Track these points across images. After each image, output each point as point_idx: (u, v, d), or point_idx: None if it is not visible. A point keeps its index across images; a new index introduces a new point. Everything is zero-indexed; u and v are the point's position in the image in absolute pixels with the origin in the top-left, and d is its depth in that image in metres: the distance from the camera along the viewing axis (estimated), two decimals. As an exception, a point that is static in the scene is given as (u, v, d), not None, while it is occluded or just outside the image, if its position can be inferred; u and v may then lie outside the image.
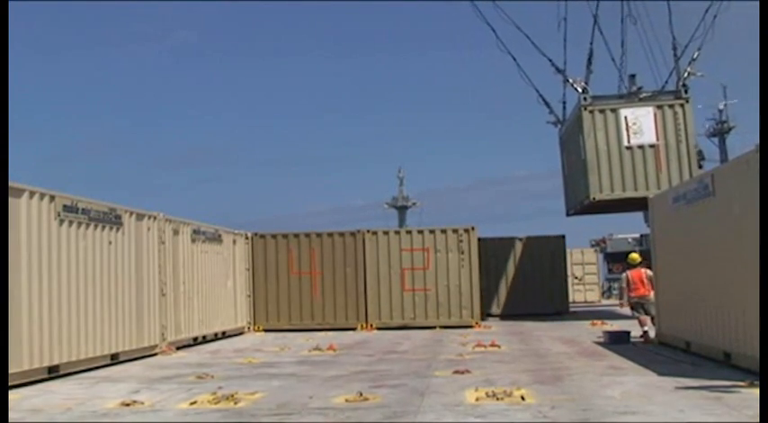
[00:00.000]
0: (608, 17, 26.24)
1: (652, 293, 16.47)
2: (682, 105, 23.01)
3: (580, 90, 24.15)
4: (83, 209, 13.28)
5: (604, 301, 41.37)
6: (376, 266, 22.53)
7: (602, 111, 23.30)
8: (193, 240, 18.53)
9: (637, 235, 43.46)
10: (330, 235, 23.00)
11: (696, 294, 12.81)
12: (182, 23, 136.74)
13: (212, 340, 19.17)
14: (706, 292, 12.22)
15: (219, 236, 20.50)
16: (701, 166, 37.89)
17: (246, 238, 22.76)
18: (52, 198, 12.30)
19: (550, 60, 25.10)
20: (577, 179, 24.92)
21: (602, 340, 16.25)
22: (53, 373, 11.89)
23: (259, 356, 15.09)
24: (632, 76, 25.21)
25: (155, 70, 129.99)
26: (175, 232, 17.50)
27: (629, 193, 22.82)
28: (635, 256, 17.76)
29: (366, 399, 9.08)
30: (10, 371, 10.31)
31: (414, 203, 64.49)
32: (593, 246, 45.50)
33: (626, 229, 46.48)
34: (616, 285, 47.76)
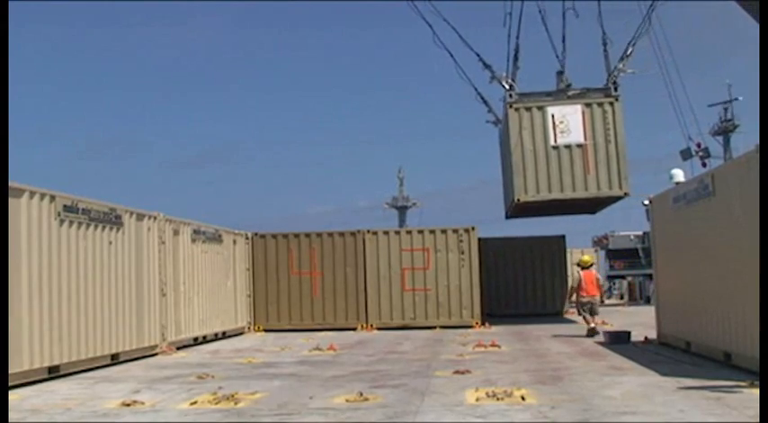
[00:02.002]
0: (556, 12, 25.43)
1: (599, 295, 18.37)
2: (611, 103, 22.05)
3: (507, 87, 23.11)
4: (83, 209, 13.28)
5: (605, 302, 41.38)
6: (376, 266, 22.51)
7: (528, 108, 22.28)
8: (193, 240, 18.52)
9: (639, 232, 43.41)
10: (330, 235, 22.99)
11: (696, 294, 12.81)
12: (190, 25, 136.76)
13: (212, 340, 19.17)
14: (706, 292, 12.22)
15: (220, 236, 20.50)
16: (704, 164, 37.70)
17: (246, 238, 22.75)
18: (52, 198, 12.29)
19: (478, 55, 23.77)
20: (508, 180, 24.01)
21: (602, 340, 16.25)
22: (53, 373, 11.89)
23: (259, 356, 15.08)
24: (560, 73, 23.98)
25: (161, 71, 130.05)
26: (175, 232, 17.49)
27: (556, 195, 22.00)
28: (587, 258, 18.94)
29: (366, 399, 9.08)
30: (10, 371, 10.30)
31: (414, 203, 64.51)
32: (594, 243, 45.42)
33: (628, 226, 46.46)
34: (617, 285, 47.88)
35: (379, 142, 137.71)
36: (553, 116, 22.11)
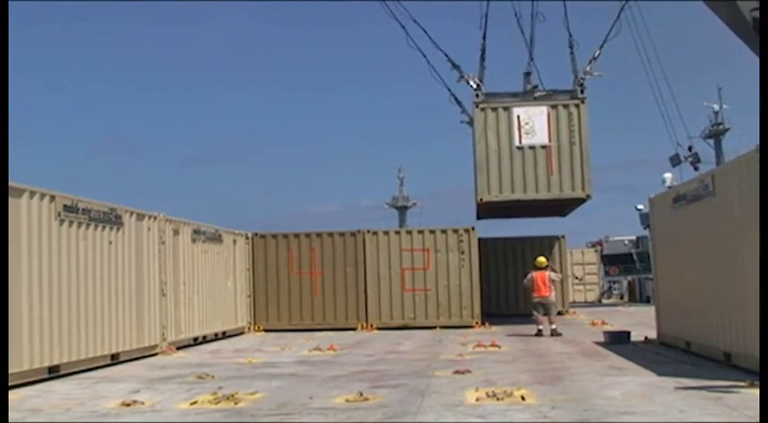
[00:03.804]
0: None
1: (553, 295, 18.59)
2: (577, 106, 22.15)
3: (474, 86, 23.13)
4: (83, 209, 13.28)
5: (605, 301, 41.42)
6: (376, 266, 22.51)
7: (494, 109, 22.39)
8: (194, 240, 18.53)
9: (633, 237, 43.40)
10: (330, 235, 22.99)
11: (696, 294, 12.82)
12: (191, 27, 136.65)
13: (212, 340, 19.18)
14: (706, 292, 12.22)
15: (220, 236, 20.50)
16: (696, 169, 37.75)
17: (247, 237, 22.76)
18: (52, 198, 12.29)
19: (446, 55, 23.66)
20: (475, 179, 23.98)
21: (602, 340, 16.25)
22: (53, 373, 11.89)
23: (259, 356, 15.09)
24: (527, 74, 24.12)
25: (163, 71, 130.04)
26: (176, 232, 17.50)
27: (519, 196, 22.10)
28: (541, 259, 19.15)
29: (366, 399, 9.08)
30: (10, 371, 10.30)
31: (414, 204, 64.30)
32: (589, 247, 45.40)
33: (623, 231, 46.42)
34: (616, 285, 47.86)
35: (381, 141, 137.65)
36: (519, 117, 22.23)
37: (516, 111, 22.34)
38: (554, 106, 22.32)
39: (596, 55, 23.37)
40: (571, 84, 23.12)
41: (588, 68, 23.01)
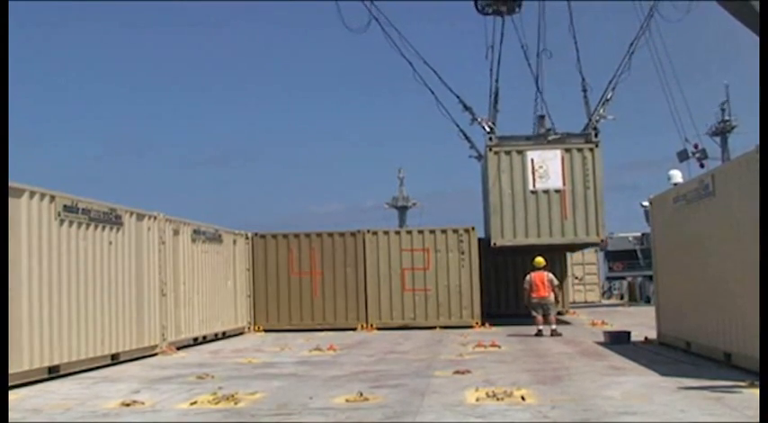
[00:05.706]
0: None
1: (552, 295, 18.42)
2: (591, 150, 22.07)
3: (487, 129, 23.25)
4: (83, 209, 13.28)
5: (605, 302, 41.43)
6: (376, 267, 22.50)
7: (507, 152, 22.31)
8: (194, 240, 18.52)
9: (638, 234, 43.38)
10: (330, 235, 22.99)
11: (696, 294, 12.82)
12: (195, 29, 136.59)
13: (212, 340, 19.17)
14: (706, 292, 12.22)
15: (220, 236, 20.50)
16: (702, 165, 37.83)
17: (247, 238, 22.76)
18: (52, 198, 12.29)
19: (458, 97, 23.90)
20: (487, 220, 24.02)
21: (602, 340, 16.25)
22: (53, 373, 11.89)
23: (259, 357, 15.09)
24: (541, 117, 24.25)
25: (167, 72, 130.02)
26: (176, 232, 17.50)
27: (532, 240, 22.10)
28: (540, 260, 19.07)
29: (366, 399, 9.09)
30: (10, 371, 10.29)
31: (414, 204, 64.35)
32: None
33: (627, 227, 46.36)
34: (617, 285, 47.88)
35: (382, 142, 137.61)
36: (533, 161, 22.20)
37: (530, 154, 22.26)
38: (568, 150, 22.23)
39: (608, 97, 23.42)
40: (584, 126, 23.21)
41: (601, 111, 23.01)
